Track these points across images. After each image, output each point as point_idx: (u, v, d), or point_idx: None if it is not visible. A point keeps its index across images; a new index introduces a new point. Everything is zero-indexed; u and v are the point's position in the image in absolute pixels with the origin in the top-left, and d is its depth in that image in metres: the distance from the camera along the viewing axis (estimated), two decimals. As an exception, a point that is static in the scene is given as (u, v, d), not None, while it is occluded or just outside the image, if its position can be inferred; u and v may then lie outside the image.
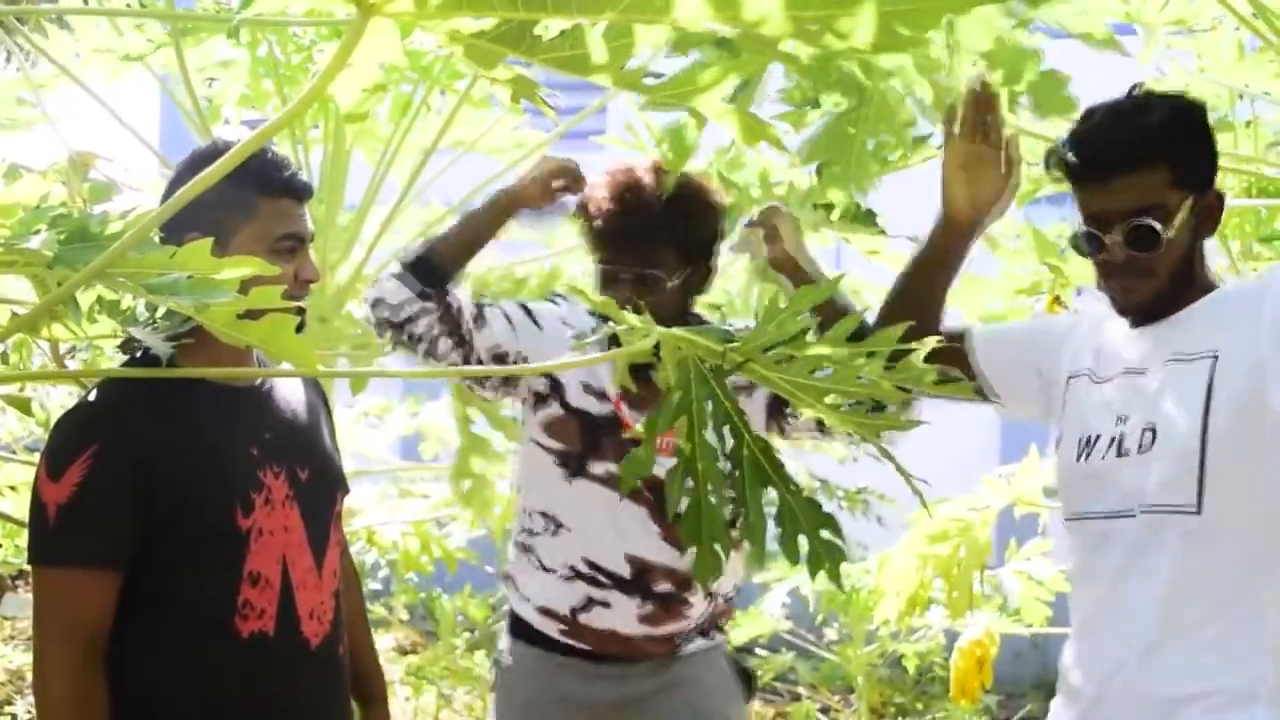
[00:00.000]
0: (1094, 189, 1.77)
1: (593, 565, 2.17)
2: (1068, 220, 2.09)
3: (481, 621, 5.71)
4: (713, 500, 1.39)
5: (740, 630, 4.95)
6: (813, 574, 1.37)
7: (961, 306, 3.07)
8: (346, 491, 2.08)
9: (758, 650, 5.42)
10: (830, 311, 1.88)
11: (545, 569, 2.22)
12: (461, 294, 2.24)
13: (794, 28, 0.86)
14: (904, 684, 5.47)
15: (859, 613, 4.67)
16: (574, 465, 2.18)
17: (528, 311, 2.25)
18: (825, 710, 5.58)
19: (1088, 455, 1.79)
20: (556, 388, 2.20)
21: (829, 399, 1.42)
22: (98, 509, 1.66)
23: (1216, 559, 1.65)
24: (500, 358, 2.20)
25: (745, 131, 1.02)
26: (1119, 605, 1.73)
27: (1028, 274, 2.93)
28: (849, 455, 4.84)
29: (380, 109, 2.94)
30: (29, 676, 4.84)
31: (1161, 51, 2.86)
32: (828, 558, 1.35)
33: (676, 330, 1.39)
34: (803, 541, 1.36)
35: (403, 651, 6.21)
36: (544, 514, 2.22)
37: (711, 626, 2.27)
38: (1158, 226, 1.72)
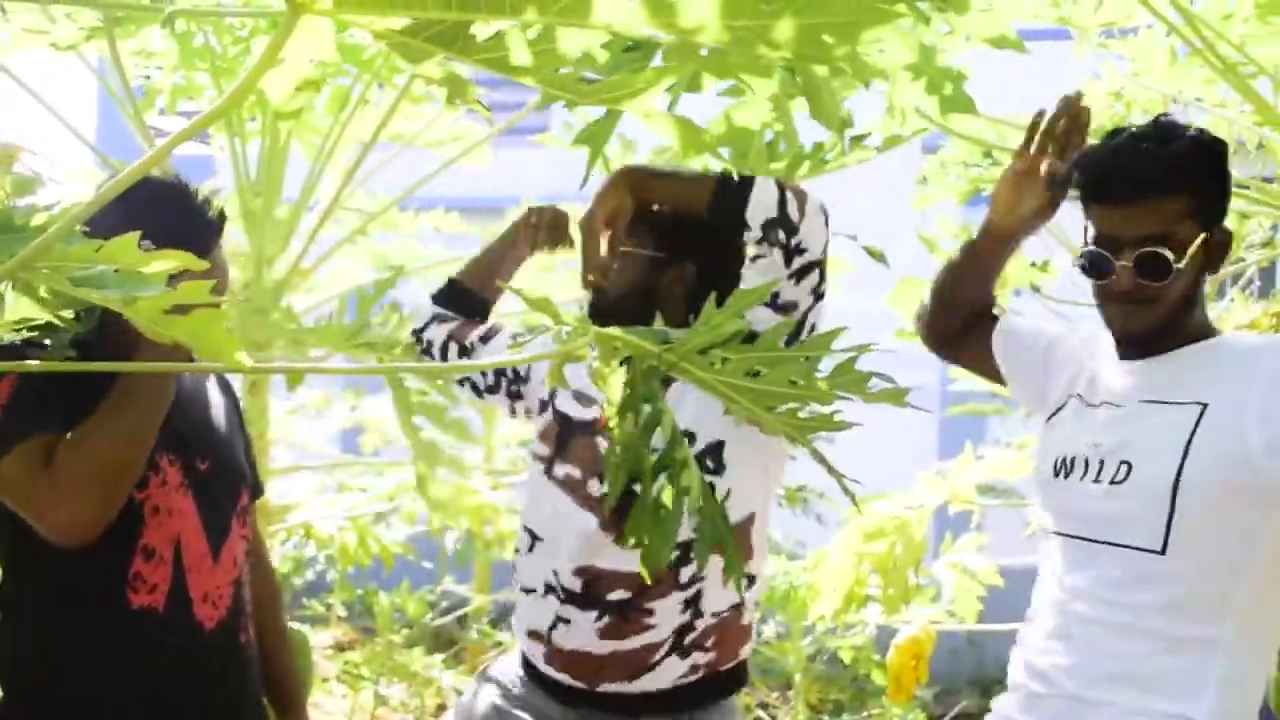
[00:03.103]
0: (1110, 210, 1.75)
1: (557, 577, 2.08)
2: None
3: (419, 618, 5.68)
4: (659, 494, 1.40)
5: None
6: (726, 581, 1.40)
7: (899, 307, 3.10)
8: (258, 491, 2.09)
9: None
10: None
11: (526, 590, 2.14)
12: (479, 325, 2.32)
13: (729, 35, 0.86)
14: (841, 680, 5.51)
15: (796, 609, 4.70)
16: (547, 469, 2.13)
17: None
18: (764, 706, 5.61)
19: (1065, 475, 1.82)
20: (553, 394, 2.17)
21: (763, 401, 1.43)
22: (37, 390, 1.70)
23: (1173, 598, 1.69)
24: (501, 375, 2.24)
25: (681, 137, 1.02)
26: (1073, 629, 1.77)
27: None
28: (787, 453, 4.89)
29: (318, 102, 2.92)
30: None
31: (1096, 55, 2.90)
32: (735, 567, 1.37)
33: (613, 330, 1.39)
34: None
35: (340, 648, 6.16)
36: (525, 528, 2.16)
37: (696, 647, 2.07)
38: (1170, 256, 1.71)
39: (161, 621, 1.78)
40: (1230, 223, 3.26)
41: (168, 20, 1.01)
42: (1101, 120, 3.30)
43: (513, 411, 2.29)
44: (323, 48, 0.88)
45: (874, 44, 0.82)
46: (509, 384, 2.24)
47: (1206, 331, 1.80)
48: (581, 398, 2.13)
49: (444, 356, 2.28)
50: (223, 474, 1.91)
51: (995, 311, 2.08)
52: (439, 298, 2.35)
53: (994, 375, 2.08)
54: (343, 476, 5.26)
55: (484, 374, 2.25)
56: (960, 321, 2.07)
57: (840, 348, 1.43)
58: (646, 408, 1.35)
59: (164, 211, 1.71)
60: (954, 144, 3.20)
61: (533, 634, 2.12)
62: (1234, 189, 2.90)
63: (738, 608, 2.10)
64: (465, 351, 2.25)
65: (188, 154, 3.19)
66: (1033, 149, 1.93)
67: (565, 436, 2.12)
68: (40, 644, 1.77)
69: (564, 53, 0.89)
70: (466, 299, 2.34)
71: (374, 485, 4.66)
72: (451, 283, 2.36)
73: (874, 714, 5.23)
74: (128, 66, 2.80)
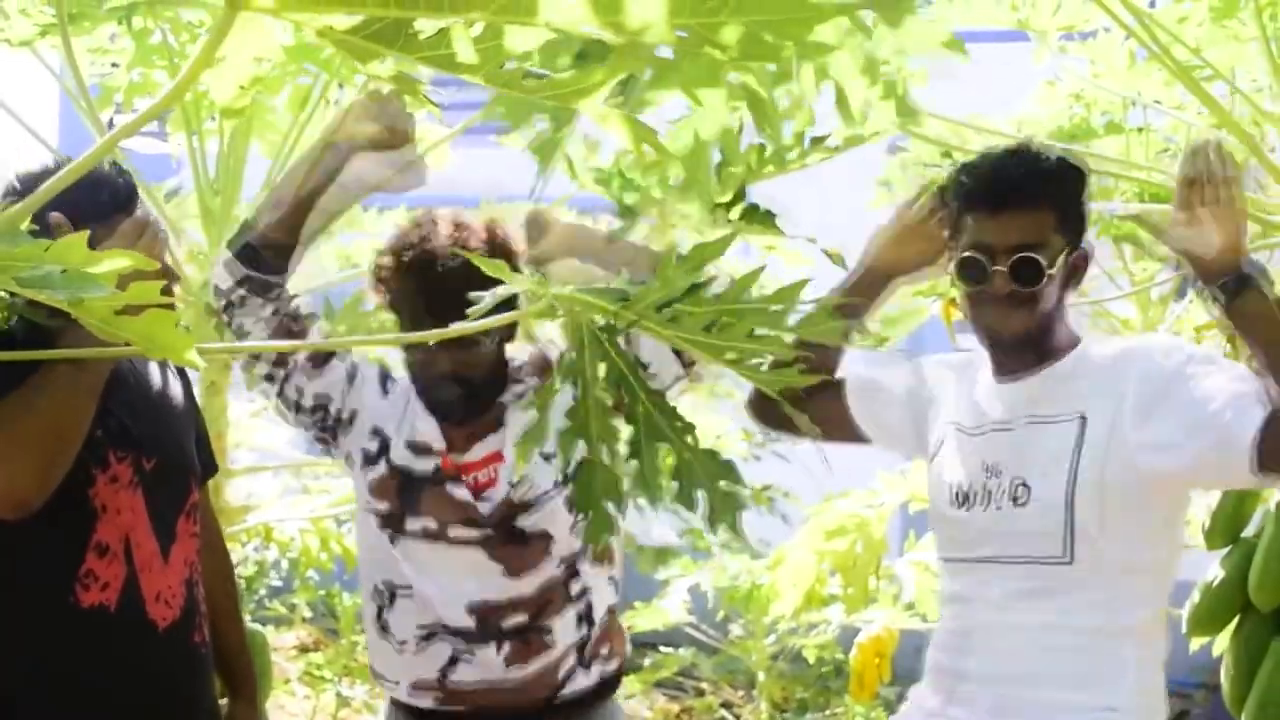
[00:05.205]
0: (985, 220, 1.86)
1: (440, 623, 2.07)
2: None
3: (383, 619, 5.64)
4: (606, 461, 1.37)
5: (641, 621, 4.95)
6: (713, 527, 1.34)
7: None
8: (211, 470, 2.08)
9: (660, 647, 5.44)
10: None
11: (400, 644, 2.11)
12: (317, 326, 2.11)
13: (675, 37, 0.86)
14: (805, 679, 5.52)
15: (759, 608, 4.70)
16: (394, 526, 2.08)
17: (384, 378, 2.16)
18: (727, 705, 5.61)
19: (964, 505, 1.91)
20: (384, 447, 2.11)
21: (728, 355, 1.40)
22: None
23: (1085, 599, 1.81)
24: (320, 409, 2.10)
25: (630, 135, 1.01)
26: (993, 634, 1.87)
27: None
28: (751, 453, 4.89)
29: (279, 101, 2.89)
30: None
31: (1055, 58, 2.92)
32: (725, 509, 1.33)
33: (570, 290, 1.36)
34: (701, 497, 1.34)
35: (304, 649, 6.13)
36: (385, 583, 2.12)
37: (595, 656, 2.13)
38: (1042, 261, 1.82)
39: (113, 620, 1.76)
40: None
41: (122, 14, 1.00)
42: (1061, 121, 3.33)
43: (323, 447, 2.18)
44: (264, 45, 0.88)
45: (818, 49, 0.82)
46: (321, 423, 2.11)
47: (1073, 342, 1.91)
48: (414, 447, 2.10)
49: (258, 358, 2.07)
50: (171, 472, 1.89)
51: (839, 375, 2.10)
52: (245, 258, 1.98)
53: (852, 437, 2.08)
54: (307, 477, 5.22)
55: (300, 396, 2.08)
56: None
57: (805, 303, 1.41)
58: (600, 369, 1.32)
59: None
60: (914, 146, 3.21)
61: (419, 686, 2.10)
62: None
63: (612, 610, 2.18)
64: (283, 364, 2.04)
65: (147, 152, 3.16)
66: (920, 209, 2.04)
67: (409, 491, 2.08)
68: None
69: (509, 50, 0.89)
70: (272, 257, 1.97)
71: (336, 487, 4.63)
72: (249, 239, 1.98)
73: (837, 713, 5.24)
74: (85, 65, 2.77)
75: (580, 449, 1.37)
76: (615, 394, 1.37)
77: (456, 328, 1.37)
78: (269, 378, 2.08)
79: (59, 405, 1.65)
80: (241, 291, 1.98)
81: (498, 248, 2.09)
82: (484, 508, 2.07)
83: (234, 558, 2.26)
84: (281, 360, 2.06)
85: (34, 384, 1.65)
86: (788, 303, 1.32)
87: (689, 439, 1.35)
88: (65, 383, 1.66)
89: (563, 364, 1.36)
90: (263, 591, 5.84)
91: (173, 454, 1.90)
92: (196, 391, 2.78)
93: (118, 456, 1.79)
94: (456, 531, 2.06)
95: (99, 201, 1.71)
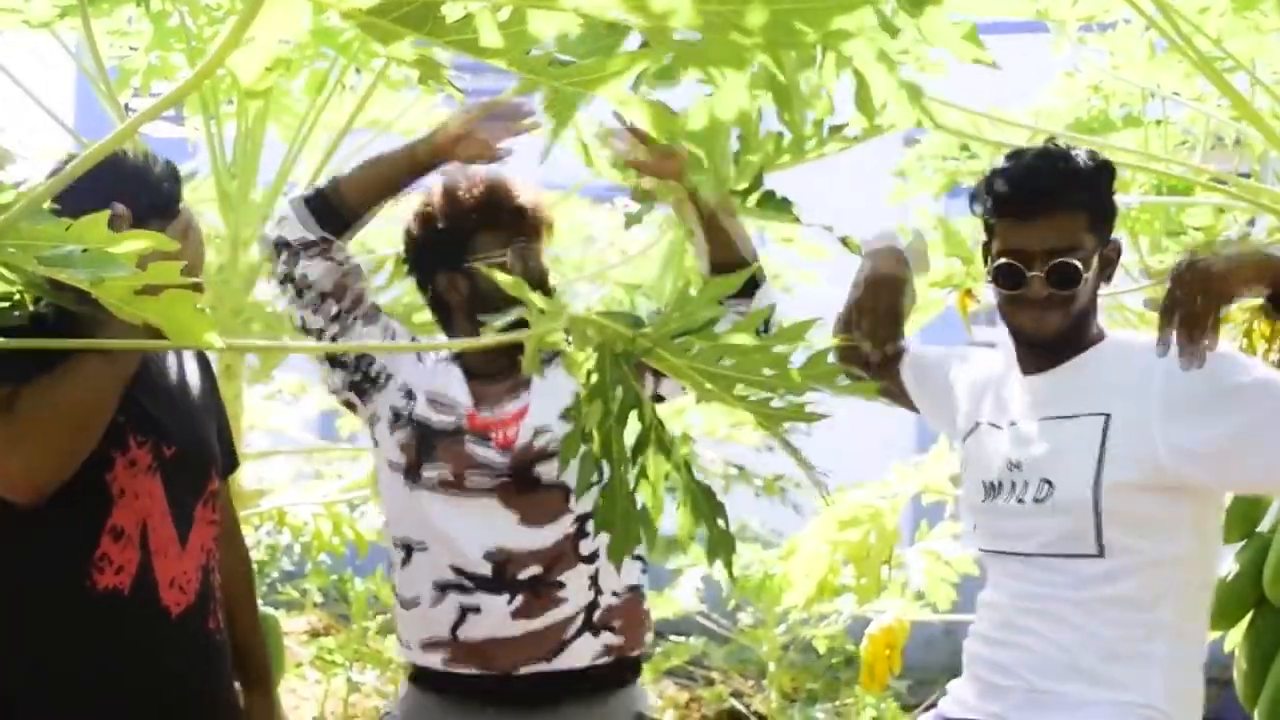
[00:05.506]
0: (1020, 225, 1.86)
1: (457, 571, 2.07)
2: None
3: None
4: (628, 484, 1.39)
5: (652, 609, 4.96)
6: (711, 561, 1.38)
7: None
8: (232, 466, 2.09)
9: (670, 636, 5.45)
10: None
11: (410, 604, 2.12)
12: (369, 287, 2.21)
13: (701, 21, 0.86)
14: (815, 669, 5.53)
15: (771, 598, 4.71)
16: (411, 475, 2.10)
17: (414, 339, 2.25)
18: (738, 695, 5.63)
19: (992, 499, 1.93)
20: (409, 404, 2.13)
21: (735, 389, 1.42)
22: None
23: (1115, 594, 1.80)
24: (367, 361, 2.15)
25: (654, 122, 1.01)
26: (1025, 624, 1.87)
27: (940, 268, 2.97)
28: (764, 444, 4.90)
29: (295, 85, 2.90)
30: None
31: (1075, 49, 2.91)
32: (723, 547, 1.35)
33: (588, 314, 1.38)
34: (701, 530, 1.37)
35: (315, 634, 6.15)
36: (401, 542, 2.14)
37: (605, 627, 2.11)
38: (1079, 265, 1.82)
39: (126, 604, 1.75)
40: (1207, 217, 3.30)
41: (142, -1, 1.00)
42: (1080, 113, 3.32)
43: (343, 399, 2.21)
44: (292, 26, 0.88)
45: (844, 37, 0.82)
46: (354, 377, 2.16)
47: (1098, 336, 1.92)
48: (436, 403, 2.12)
49: (315, 303, 2.11)
50: (191, 459, 1.88)
51: (904, 345, 2.18)
52: (313, 203, 2.11)
53: (911, 406, 2.20)
54: (319, 462, 5.24)
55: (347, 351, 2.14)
56: (875, 357, 2.16)
57: (816, 340, 1.43)
58: (619, 392, 1.34)
59: (102, 178, 1.63)
60: (932, 137, 3.21)
61: (429, 644, 2.10)
62: (1213, 184, 2.93)
63: (635, 589, 2.17)
64: (338, 321, 2.11)
65: (164, 136, 3.16)
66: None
67: (426, 442, 2.10)
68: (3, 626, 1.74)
69: (534, 35, 0.89)
70: (338, 211, 2.11)
71: (349, 471, 4.64)
72: (328, 198, 2.11)
73: (847, 703, 5.25)
74: (103, 47, 2.77)
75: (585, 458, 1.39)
76: (624, 418, 1.38)
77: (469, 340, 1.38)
78: (336, 317, 2.13)
79: (85, 396, 1.65)
80: (318, 249, 2.10)
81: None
82: (503, 458, 2.09)
83: (247, 541, 2.25)
84: (338, 318, 2.12)
85: (62, 371, 1.64)
86: (794, 343, 1.32)
87: (692, 473, 1.38)
88: (94, 373, 1.65)
89: (588, 386, 1.37)
90: (275, 576, 5.87)
91: (193, 441, 1.90)
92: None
93: (138, 441, 1.79)
94: (474, 479, 2.08)
95: (138, 204, 1.71)
